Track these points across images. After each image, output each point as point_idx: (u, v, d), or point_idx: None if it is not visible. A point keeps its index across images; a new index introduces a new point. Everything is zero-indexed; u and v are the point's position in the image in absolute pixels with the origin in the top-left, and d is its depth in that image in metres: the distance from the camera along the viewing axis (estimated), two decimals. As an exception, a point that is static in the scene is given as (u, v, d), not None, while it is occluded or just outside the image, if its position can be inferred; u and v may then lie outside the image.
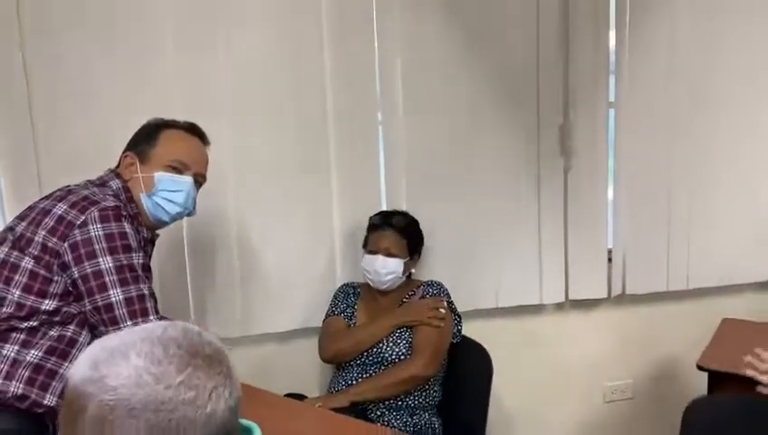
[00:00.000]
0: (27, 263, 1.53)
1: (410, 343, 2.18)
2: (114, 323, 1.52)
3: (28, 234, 1.56)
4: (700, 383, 2.13)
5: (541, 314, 2.73)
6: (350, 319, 2.29)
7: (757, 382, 1.61)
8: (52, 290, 1.53)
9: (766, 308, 2.78)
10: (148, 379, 0.76)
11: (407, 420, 2.14)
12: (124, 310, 1.54)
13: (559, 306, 2.73)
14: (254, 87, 2.29)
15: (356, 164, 2.43)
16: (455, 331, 2.26)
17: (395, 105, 2.45)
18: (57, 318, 1.54)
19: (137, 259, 1.58)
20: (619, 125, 2.62)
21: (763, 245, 2.77)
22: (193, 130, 1.77)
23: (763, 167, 2.74)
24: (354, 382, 2.16)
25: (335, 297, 2.36)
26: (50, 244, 1.52)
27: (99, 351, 0.80)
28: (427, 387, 2.19)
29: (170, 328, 0.83)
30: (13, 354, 1.51)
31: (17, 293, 1.52)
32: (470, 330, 2.34)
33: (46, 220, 1.55)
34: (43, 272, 1.53)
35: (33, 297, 1.52)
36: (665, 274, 2.71)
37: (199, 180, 1.78)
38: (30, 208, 1.63)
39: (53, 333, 1.54)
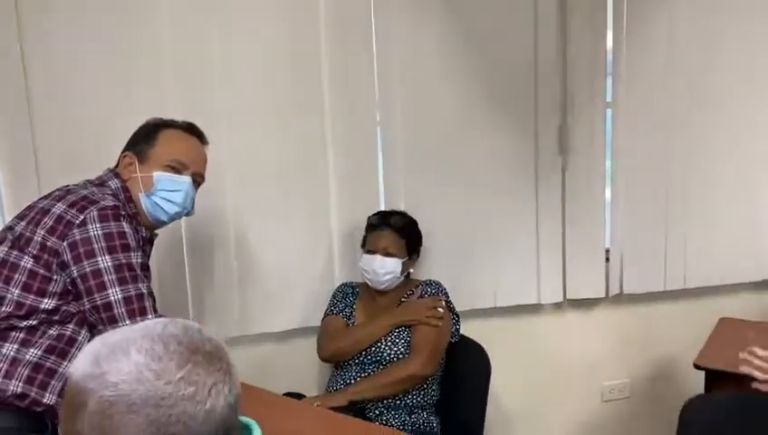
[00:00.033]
0: (26, 262, 1.54)
1: (409, 342, 2.19)
2: (113, 322, 1.53)
3: (27, 233, 1.56)
4: (697, 382, 2.14)
5: (539, 314, 2.74)
6: (349, 318, 2.30)
7: (752, 379, 1.62)
8: (51, 289, 1.53)
9: (763, 307, 2.80)
10: (149, 375, 0.77)
11: (405, 419, 2.14)
12: (123, 309, 1.54)
13: (557, 306, 2.74)
14: (252, 87, 2.29)
15: (354, 164, 2.44)
16: (453, 330, 2.27)
17: (393, 105, 2.45)
18: (56, 317, 1.55)
19: (135, 258, 1.58)
20: (616, 125, 2.63)
21: (761, 244, 2.78)
22: (191, 129, 1.78)
23: (760, 166, 2.75)
24: (352, 382, 2.16)
25: (334, 297, 2.37)
26: (49, 243, 1.53)
27: (100, 347, 0.80)
28: (425, 386, 2.20)
29: (171, 325, 0.83)
30: (12, 353, 1.51)
31: (16, 292, 1.53)
32: (468, 329, 2.35)
33: (45, 220, 1.55)
34: (42, 271, 1.53)
35: (32, 296, 1.53)
36: (662, 273, 2.72)
37: (198, 180, 1.78)
38: (29, 208, 1.64)
39: (53, 331, 1.55)
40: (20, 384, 1.50)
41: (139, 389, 0.76)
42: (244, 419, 0.92)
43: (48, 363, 1.53)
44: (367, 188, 2.47)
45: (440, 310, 2.20)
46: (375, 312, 2.28)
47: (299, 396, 2.20)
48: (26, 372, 1.51)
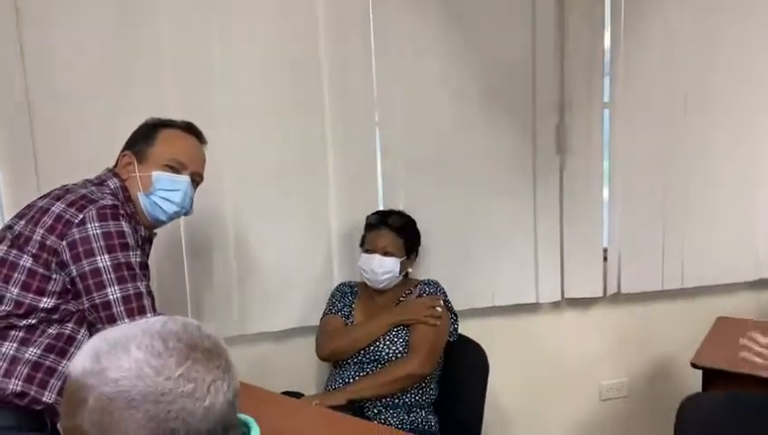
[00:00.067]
0: (26, 261, 1.54)
1: (407, 341, 2.19)
2: (112, 321, 1.53)
3: (27, 232, 1.56)
4: (695, 381, 2.14)
5: (537, 313, 2.75)
6: (348, 318, 2.30)
7: (750, 377, 1.62)
8: (50, 288, 1.54)
9: (760, 307, 2.81)
10: (149, 371, 0.77)
11: (403, 418, 2.15)
12: (121, 308, 1.55)
13: (555, 305, 2.75)
14: (251, 87, 2.30)
15: (353, 164, 2.45)
16: (451, 329, 2.28)
17: (392, 105, 2.46)
18: (56, 316, 1.55)
19: (134, 257, 1.58)
20: (613, 125, 2.64)
21: (758, 244, 2.79)
22: (190, 129, 1.78)
23: (757, 165, 2.76)
24: (351, 380, 2.17)
25: (332, 296, 2.38)
26: (48, 242, 1.53)
27: (100, 343, 0.81)
28: (423, 385, 2.20)
29: (170, 322, 0.84)
30: (12, 352, 1.51)
31: (16, 291, 1.53)
32: (466, 329, 2.36)
33: (44, 219, 1.56)
34: (41, 270, 1.53)
35: (31, 295, 1.53)
36: (660, 273, 2.73)
37: (196, 180, 1.79)
38: (28, 207, 1.64)
39: (52, 330, 1.55)
40: (19, 383, 1.50)
41: (138, 385, 0.77)
42: (242, 416, 0.92)
43: (47, 362, 1.53)
44: (365, 188, 2.48)
45: (438, 309, 2.20)
46: (373, 311, 2.28)
47: (298, 395, 2.20)
48: (26, 370, 1.51)
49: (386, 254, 2.23)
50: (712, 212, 2.74)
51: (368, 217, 2.34)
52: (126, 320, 1.53)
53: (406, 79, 2.44)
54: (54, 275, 1.54)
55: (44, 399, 1.52)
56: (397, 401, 2.16)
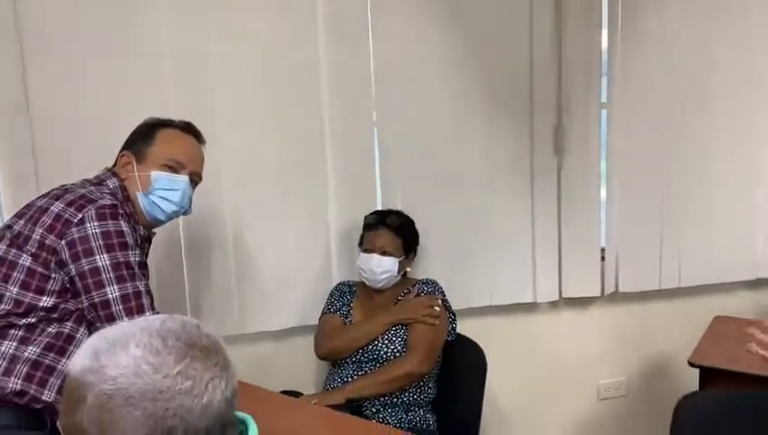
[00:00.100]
0: (25, 260, 1.55)
1: (405, 340, 2.20)
2: (111, 320, 1.54)
3: (26, 232, 1.57)
4: (692, 380, 2.15)
5: (534, 313, 2.75)
6: (346, 317, 2.31)
7: (746, 375, 1.62)
8: (49, 287, 1.54)
9: (757, 306, 2.82)
10: (147, 369, 0.78)
11: (402, 417, 2.15)
12: (120, 307, 1.55)
13: (552, 304, 2.75)
14: (250, 87, 2.30)
15: (351, 164, 2.45)
16: (449, 329, 2.28)
17: (390, 105, 2.47)
18: (55, 315, 1.56)
19: (133, 257, 1.59)
20: (611, 125, 2.65)
21: (755, 243, 2.80)
22: (188, 129, 1.79)
23: (755, 165, 2.77)
24: (349, 380, 2.18)
25: (331, 295, 2.38)
26: (47, 241, 1.54)
27: (99, 341, 0.82)
28: (421, 384, 2.21)
29: (169, 320, 0.85)
30: (11, 351, 1.52)
31: (15, 290, 1.54)
32: (465, 328, 2.36)
33: (44, 218, 1.56)
34: (40, 269, 1.54)
35: (30, 294, 1.54)
36: (657, 272, 2.74)
37: (195, 179, 1.79)
38: (27, 207, 1.65)
39: (51, 329, 1.56)
40: (19, 381, 1.51)
41: (137, 382, 0.77)
42: (240, 414, 0.93)
43: (47, 361, 1.54)
44: (364, 188, 2.49)
45: (437, 308, 2.21)
46: (372, 310, 2.29)
47: (296, 394, 2.21)
48: (25, 369, 1.52)
49: (384, 253, 2.24)
50: (709, 212, 2.74)
51: (366, 217, 2.34)
52: (125, 319, 1.53)
53: (404, 79, 2.45)
54: (53, 275, 1.54)
55: (44, 397, 1.53)
56: (395, 399, 2.17)
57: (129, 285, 1.56)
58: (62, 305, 1.56)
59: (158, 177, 1.70)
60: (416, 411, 2.19)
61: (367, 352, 2.21)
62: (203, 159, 1.81)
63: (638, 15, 2.58)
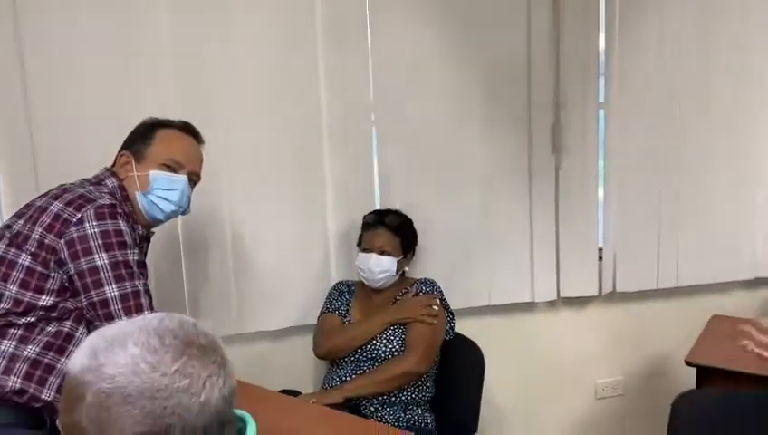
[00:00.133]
0: (24, 259, 1.55)
1: (403, 339, 2.20)
2: (109, 319, 1.54)
3: (25, 231, 1.58)
4: (690, 379, 2.16)
5: (532, 312, 2.76)
6: (345, 316, 2.31)
7: (742, 374, 1.62)
8: (48, 286, 1.55)
9: (755, 305, 2.83)
10: (145, 367, 0.78)
11: (400, 416, 2.16)
12: (119, 306, 1.56)
13: (550, 304, 2.76)
14: (248, 87, 2.30)
15: (350, 163, 2.46)
16: (447, 328, 2.29)
17: (388, 105, 2.47)
18: (54, 314, 1.56)
19: (132, 256, 1.60)
20: (608, 125, 2.65)
21: (752, 243, 2.80)
22: (187, 129, 1.80)
23: (751, 165, 2.77)
24: (348, 379, 2.18)
25: (330, 295, 2.39)
26: (46, 241, 1.55)
27: (97, 340, 0.82)
28: (420, 383, 2.22)
29: (167, 319, 0.85)
30: (11, 350, 1.53)
31: (14, 289, 1.54)
32: (463, 328, 2.37)
33: (43, 218, 1.57)
34: (39, 268, 1.55)
35: (30, 293, 1.54)
36: (655, 272, 2.74)
37: (194, 179, 1.80)
38: (27, 206, 1.65)
39: (51, 328, 1.56)
40: (18, 380, 1.51)
41: (135, 381, 0.78)
42: (238, 411, 0.93)
43: (46, 360, 1.55)
44: (362, 188, 2.49)
45: (435, 308, 2.22)
46: (370, 310, 2.30)
47: (295, 393, 2.21)
48: (25, 368, 1.52)
49: (383, 253, 2.25)
50: (707, 211, 2.75)
51: (365, 217, 2.35)
52: (123, 318, 1.54)
53: (402, 79, 2.45)
54: (53, 274, 1.55)
55: (43, 396, 1.54)
56: (393, 398, 2.18)
57: (127, 284, 1.57)
58: (62, 304, 1.57)
59: (157, 176, 1.71)
60: (414, 410, 2.19)
61: (365, 352, 2.21)
62: (201, 158, 1.82)
63: (635, 15, 2.59)
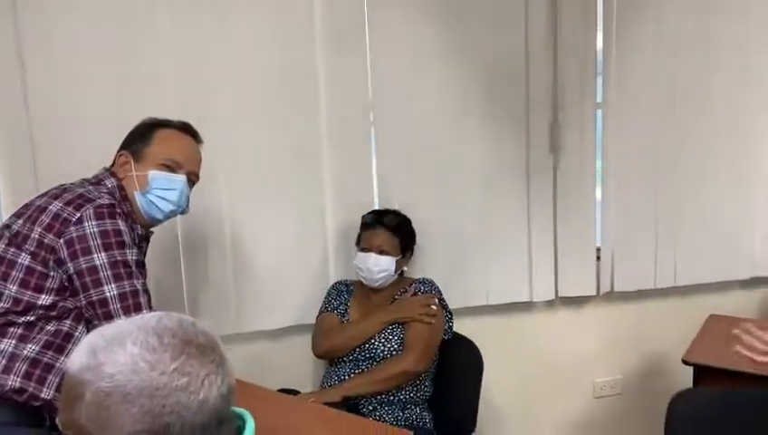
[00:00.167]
0: (24, 259, 1.56)
1: (402, 339, 2.21)
2: (108, 318, 1.55)
3: (24, 231, 1.58)
4: (688, 378, 2.16)
5: (531, 312, 2.76)
6: (343, 316, 2.32)
7: (739, 373, 1.63)
8: (48, 285, 1.56)
9: (752, 305, 2.83)
10: (144, 366, 0.79)
11: (398, 415, 2.17)
12: (118, 305, 1.57)
13: (549, 304, 2.76)
14: (247, 87, 2.31)
15: (349, 163, 2.46)
16: (446, 327, 2.29)
17: (387, 105, 2.48)
18: (54, 313, 1.57)
19: (131, 255, 1.60)
20: (606, 125, 2.66)
21: (750, 242, 2.81)
22: (186, 129, 1.80)
23: (750, 165, 2.78)
24: (346, 378, 2.19)
25: (328, 294, 2.39)
26: (46, 240, 1.55)
27: (97, 339, 0.83)
28: (418, 382, 2.22)
29: (165, 318, 0.86)
30: (10, 349, 1.53)
31: (14, 288, 1.55)
32: (461, 327, 2.38)
33: (42, 217, 1.58)
34: (39, 268, 1.55)
35: (29, 293, 1.55)
36: (653, 271, 2.75)
37: (192, 179, 1.81)
38: (26, 206, 1.66)
39: (50, 327, 1.57)
40: (18, 379, 1.52)
41: (134, 379, 0.79)
42: (237, 409, 0.94)
43: (46, 359, 1.55)
44: (361, 188, 2.50)
45: (433, 307, 2.22)
46: (369, 309, 2.30)
47: (294, 392, 2.22)
48: (24, 367, 1.53)
49: (381, 252, 2.25)
50: (704, 211, 2.76)
51: (363, 217, 2.35)
52: (122, 317, 1.53)
53: (401, 79, 2.46)
54: (52, 273, 1.55)
55: (43, 395, 1.54)
56: (392, 398, 2.18)
57: (126, 283, 1.58)
58: (61, 304, 1.57)
59: (156, 176, 1.72)
60: (412, 409, 2.20)
61: (364, 351, 2.22)
62: (200, 158, 1.83)
63: (633, 15, 2.60)
